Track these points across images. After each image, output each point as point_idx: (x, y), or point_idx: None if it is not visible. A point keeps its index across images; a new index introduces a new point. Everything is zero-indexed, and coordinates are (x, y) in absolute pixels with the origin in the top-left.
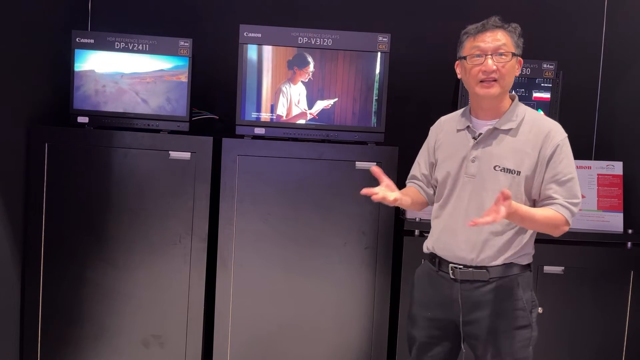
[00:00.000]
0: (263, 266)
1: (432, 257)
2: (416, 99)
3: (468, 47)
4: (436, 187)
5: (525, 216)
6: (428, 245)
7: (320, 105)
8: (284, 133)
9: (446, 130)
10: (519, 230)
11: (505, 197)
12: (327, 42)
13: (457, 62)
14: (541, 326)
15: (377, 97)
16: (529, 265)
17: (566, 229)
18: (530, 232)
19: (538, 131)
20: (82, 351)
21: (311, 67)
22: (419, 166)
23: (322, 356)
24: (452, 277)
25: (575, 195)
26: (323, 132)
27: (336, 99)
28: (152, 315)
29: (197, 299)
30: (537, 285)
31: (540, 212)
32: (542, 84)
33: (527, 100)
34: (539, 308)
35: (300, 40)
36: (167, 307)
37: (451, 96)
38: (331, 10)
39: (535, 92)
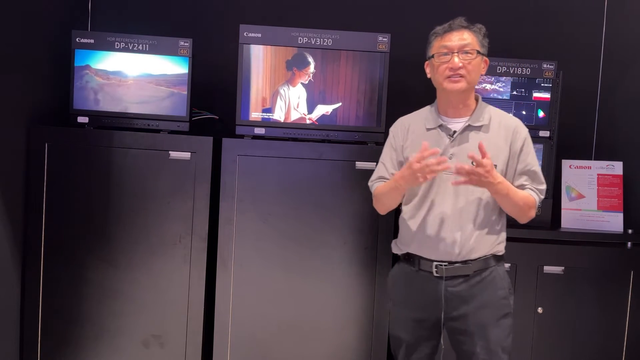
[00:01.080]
0: (263, 266)
1: (409, 257)
2: (416, 99)
3: (436, 46)
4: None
5: (509, 187)
6: (400, 246)
7: (322, 110)
8: (283, 133)
9: (413, 130)
10: (495, 222)
11: (483, 153)
12: (327, 42)
13: (426, 62)
14: (541, 326)
15: (377, 98)
16: (503, 255)
17: (533, 213)
18: (503, 224)
19: (506, 126)
20: (82, 351)
21: (311, 68)
22: (385, 167)
23: (322, 356)
24: (436, 275)
25: (541, 182)
26: (323, 132)
27: (339, 104)
28: (152, 315)
29: (197, 299)
30: (537, 285)
31: (518, 190)
32: (542, 84)
33: (527, 100)
34: (539, 308)
35: (300, 40)
36: (167, 307)
37: None
38: (331, 10)
39: (535, 92)
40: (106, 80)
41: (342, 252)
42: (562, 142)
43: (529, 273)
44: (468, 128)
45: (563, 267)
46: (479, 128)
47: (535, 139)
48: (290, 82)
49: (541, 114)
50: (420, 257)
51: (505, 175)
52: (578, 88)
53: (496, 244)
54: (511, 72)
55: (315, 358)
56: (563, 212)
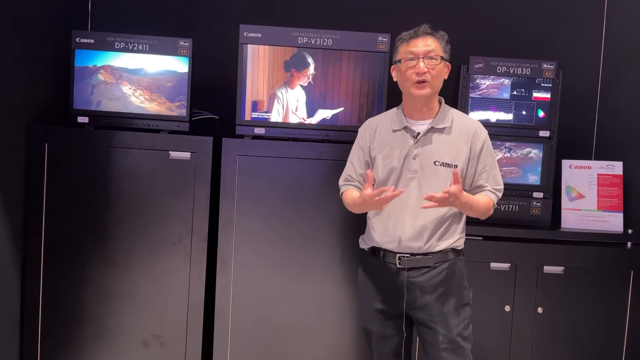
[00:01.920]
0: (263, 266)
1: (375, 250)
2: None
3: (402, 51)
4: (372, 185)
5: (471, 201)
6: (367, 241)
7: (323, 114)
8: (283, 133)
9: (380, 131)
10: (454, 219)
11: (456, 180)
12: (327, 42)
13: (392, 66)
14: (541, 326)
15: (378, 98)
16: (462, 250)
17: (492, 212)
18: (463, 220)
19: (467, 129)
20: (82, 351)
21: (311, 70)
22: (354, 167)
23: (322, 356)
24: (399, 266)
25: (499, 182)
26: (323, 132)
27: (341, 109)
28: (152, 315)
29: (197, 299)
30: (537, 285)
31: (479, 198)
32: (542, 84)
33: (527, 100)
34: (539, 308)
35: (300, 40)
36: (167, 307)
37: (451, 96)
38: (331, 10)
39: (535, 92)
40: (106, 80)
41: (342, 251)
42: (562, 142)
43: (529, 273)
44: (431, 130)
45: (563, 267)
46: (441, 130)
47: (535, 139)
48: (289, 84)
49: (541, 114)
50: (385, 250)
51: (465, 175)
52: (578, 88)
53: (456, 239)
54: (511, 72)
55: (315, 358)
56: (563, 212)
